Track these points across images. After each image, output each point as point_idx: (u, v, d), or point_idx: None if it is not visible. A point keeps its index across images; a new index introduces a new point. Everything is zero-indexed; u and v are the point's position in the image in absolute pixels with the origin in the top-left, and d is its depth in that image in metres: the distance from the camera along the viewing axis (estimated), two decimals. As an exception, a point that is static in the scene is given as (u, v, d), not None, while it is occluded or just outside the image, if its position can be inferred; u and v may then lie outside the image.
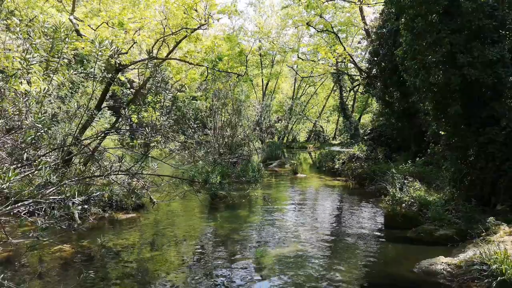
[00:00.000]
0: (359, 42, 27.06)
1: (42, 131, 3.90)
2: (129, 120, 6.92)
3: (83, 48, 8.63)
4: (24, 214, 4.20)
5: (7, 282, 3.32)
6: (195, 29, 10.55)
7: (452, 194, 8.18)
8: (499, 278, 4.47)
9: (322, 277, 5.28)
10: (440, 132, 8.51)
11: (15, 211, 3.84)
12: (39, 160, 3.76)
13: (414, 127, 13.84)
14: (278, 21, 31.12)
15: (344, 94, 30.88)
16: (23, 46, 4.83)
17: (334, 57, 20.43)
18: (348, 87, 31.06)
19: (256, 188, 11.89)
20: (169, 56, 11.32)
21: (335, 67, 23.47)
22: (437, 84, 7.64)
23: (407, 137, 14.80)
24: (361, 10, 20.22)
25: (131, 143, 6.77)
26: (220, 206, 9.90)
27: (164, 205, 9.45)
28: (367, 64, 17.89)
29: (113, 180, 6.38)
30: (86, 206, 7.66)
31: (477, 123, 7.47)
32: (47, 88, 4.32)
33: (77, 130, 6.72)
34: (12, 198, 3.74)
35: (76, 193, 6.36)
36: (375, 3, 19.06)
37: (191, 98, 19.68)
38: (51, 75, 4.24)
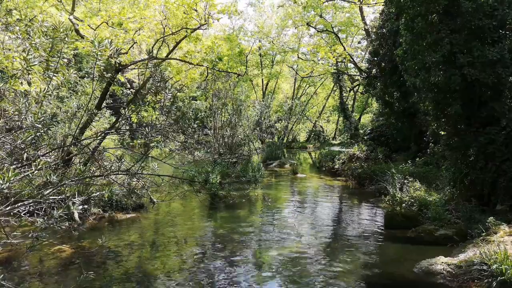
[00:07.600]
0: (359, 42, 27.05)
1: (42, 131, 3.90)
2: (129, 120, 6.92)
3: (83, 48, 8.62)
4: (24, 214, 4.20)
5: (7, 282, 3.32)
6: (195, 29, 10.54)
7: (452, 194, 8.19)
8: (499, 278, 4.48)
9: (322, 277, 5.28)
10: (440, 132, 8.51)
11: (15, 211, 3.84)
12: (39, 160, 3.75)
13: (414, 127, 13.84)
14: (278, 21, 31.15)
15: (344, 94, 30.81)
16: (23, 46, 4.82)
17: (334, 57, 20.45)
18: (348, 87, 31.01)
19: (256, 188, 11.88)
20: (169, 56, 11.31)
21: (335, 67, 23.46)
22: (437, 84, 7.64)
23: (407, 137, 14.80)
24: (361, 10, 20.25)
25: (131, 143, 6.77)
26: (220, 206, 9.90)
27: (164, 205, 9.44)
28: (367, 64, 17.87)
29: (113, 180, 6.38)
30: (86, 206, 7.68)
31: (477, 123, 7.48)
32: (47, 88, 4.32)
33: (77, 130, 6.73)
34: (12, 198, 3.74)
35: (76, 193, 6.38)
36: (375, 3, 19.09)
37: (191, 98, 19.66)
38: (51, 75, 4.23)
